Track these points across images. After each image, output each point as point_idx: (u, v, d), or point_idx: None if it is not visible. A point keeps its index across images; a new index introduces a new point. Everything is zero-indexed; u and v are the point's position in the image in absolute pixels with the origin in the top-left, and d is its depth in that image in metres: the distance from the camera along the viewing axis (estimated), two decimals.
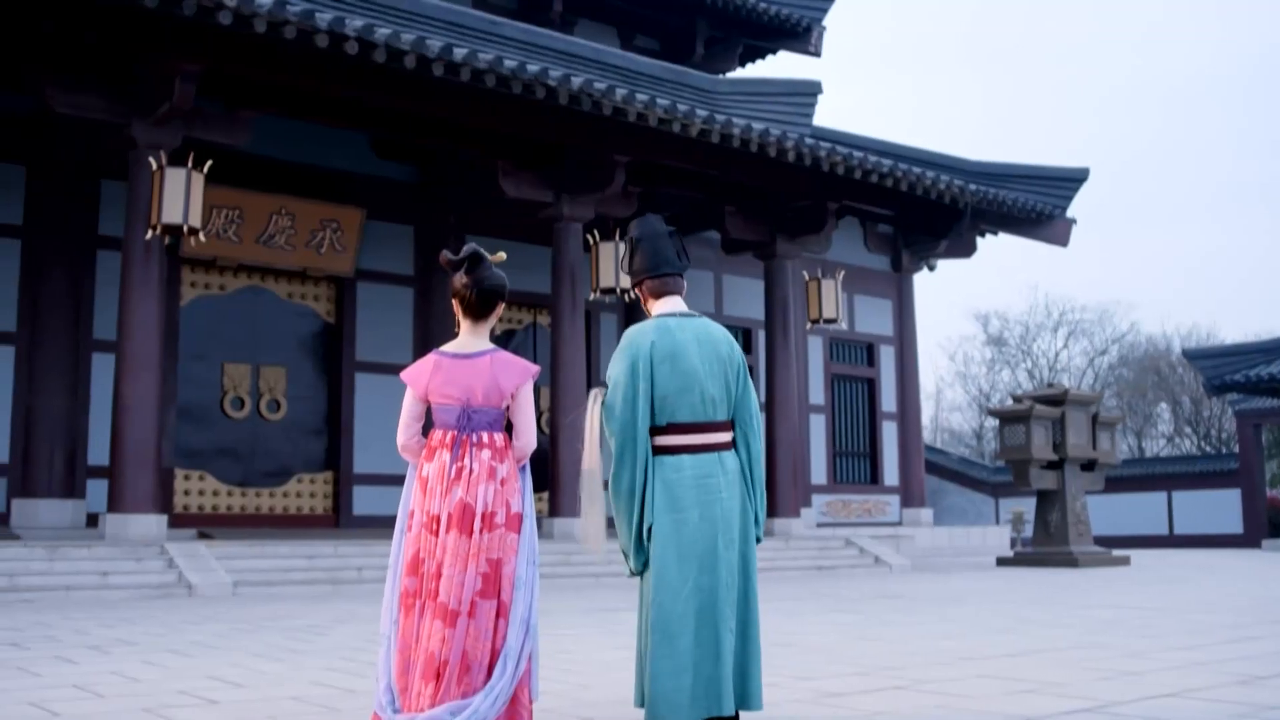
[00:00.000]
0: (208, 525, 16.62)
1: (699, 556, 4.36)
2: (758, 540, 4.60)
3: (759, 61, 26.28)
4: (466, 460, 4.26)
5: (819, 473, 23.54)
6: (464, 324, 4.43)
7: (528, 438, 4.38)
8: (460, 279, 4.41)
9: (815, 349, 23.91)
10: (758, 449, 4.58)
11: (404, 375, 4.41)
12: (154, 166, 13.40)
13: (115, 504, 13.39)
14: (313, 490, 18.24)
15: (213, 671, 6.17)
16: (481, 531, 4.19)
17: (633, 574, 4.46)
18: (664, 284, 4.66)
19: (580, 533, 4.77)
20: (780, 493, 18.94)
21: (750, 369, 22.22)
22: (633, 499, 4.43)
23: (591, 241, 17.36)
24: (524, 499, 4.35)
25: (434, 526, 4.21)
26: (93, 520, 15.14)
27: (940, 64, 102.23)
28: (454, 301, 4.45)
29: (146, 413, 13.52)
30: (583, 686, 5.73)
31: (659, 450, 4.47)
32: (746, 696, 4.40)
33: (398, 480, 18.74)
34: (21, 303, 15.83)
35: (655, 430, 4.47)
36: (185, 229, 13.48)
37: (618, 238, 17.29)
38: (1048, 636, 7.99)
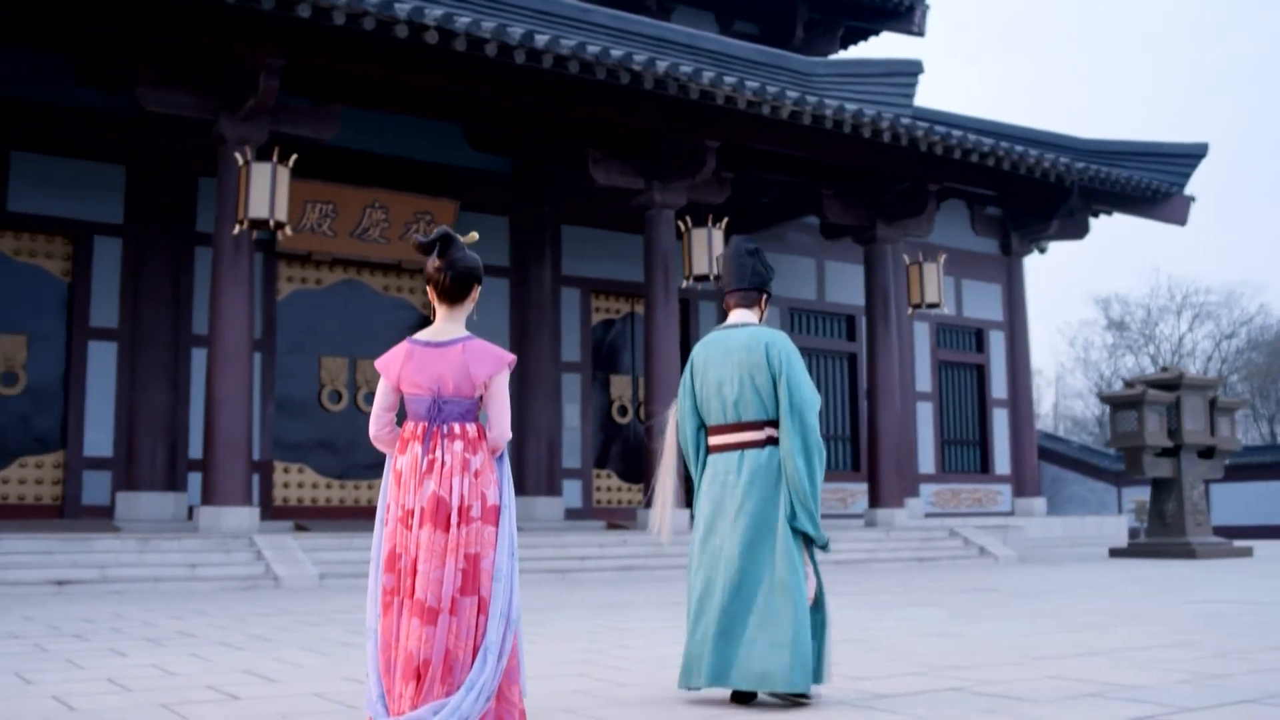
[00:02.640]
0: (306, 518, 16.78)
1: (713, 545, 5.03)
2: (802, 531, 4.96)
3: (861, 43, 25.73)
4: (438, 453, 4.06)
5: (926, 462, 22.97)
6: (439, 310, 4.23)
7: (501, 428, 4.17)
8: (432, 263, 4.19)
9: (921, 335, 23.33)
10: (795, 444, 4.96)
11: (377, 363, 4.24)
12: (240, 162, 13.50)
13: (208, 497, 13.55)
14: None
15: (252, 666, 6.08)
16: (458, 526, 3.99)
17: None
18: (740, 297, 5.34)
19: (652, 522, 5.42)
20: (882, 482, 18.51)
21: (852, 357, 21.98)
22: (694, 489, 5.28)
23: (683, 228, 17.10)
24: (502, 491, 4.15)
25: (408, 521, 4.03)
26: (193, 513, 15.35)
27: (1052, 42, 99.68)
28: (428, 287, 4.24)
29: (237, 406, 13.65)
30: (621, 684, 5.50)
31: (708, 449, 5.26)
32: (767, 677, 4.75)
33: None
34: (123, 300, 16.13)
35: (706, 432, 5.27)
36: (272, 223, 13.56)
37: (710, 224, 17.01)
38: (1137, 633, 7.54)
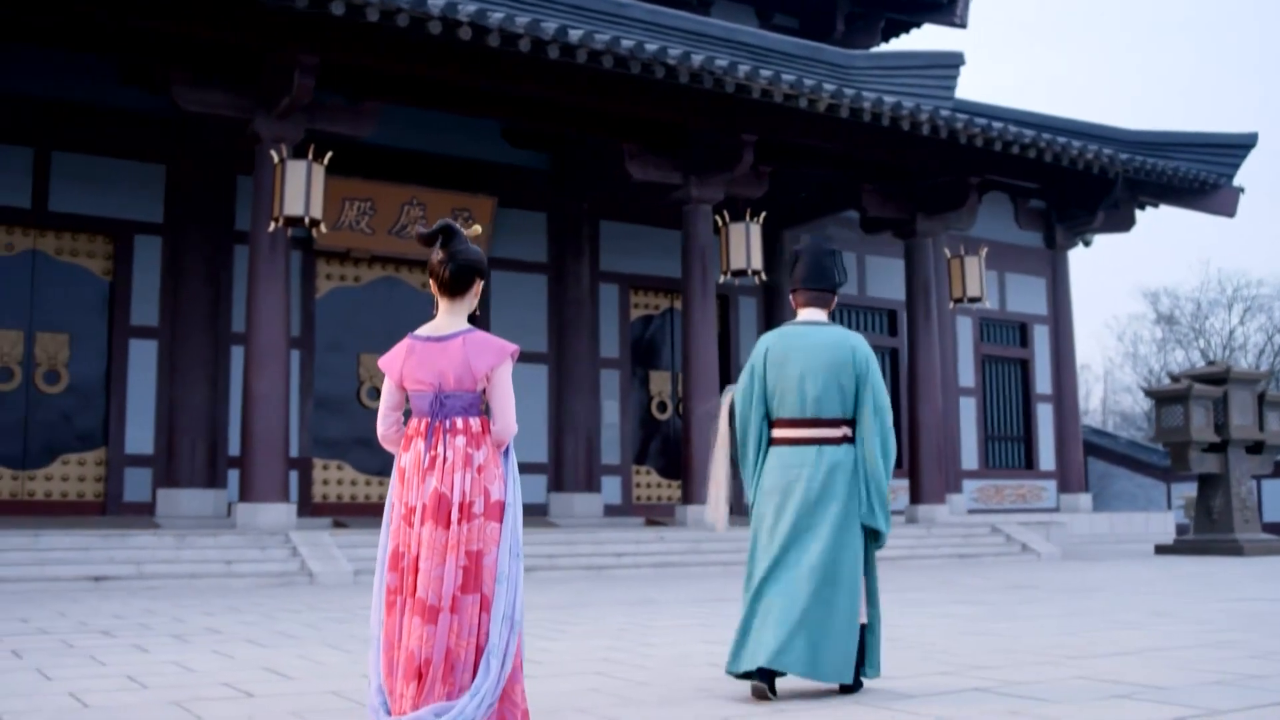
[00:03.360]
0: (345, 515, 16.84)
1: (778, 536, 5.11)
2: (874, 530, 5.18)
3: (902, 36, 25.47)
4: (440, 448, 4.01)
5: (970, 457, 22.73)
6: (441, 304, 4.17)
7: (505, 421, 4.09)
8: (434, 255, 4.14)
9: (964, 330, 23.09)
10: (873, 446, 5.14)
11: (380, 362, 4.20)
12: (275, 159, 13.54)
13: (246, 493, 13.62)
14: None
15: (273, 663, 6.06)
16: (459, 522, 3.93)
17: None
18: (813, 296, 5.44)
19: (707, 512, 5.53)
20: (924, 478, 18.34)
21: (893, 352, 21.77)
22: (749, 479, 5.36)
23: (721, 223, 17.00)
24: (507, 487, 4.08)
25: (410, 519, 3.98)
26: (232, 509, 15.43)
27: (1099, 33, 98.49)
28: (430, 280, 4.19)
29: (274, 404, 13.71)
30: (639, 684, 5.43)
31: (772, 440, 5.31)
32: (817, 665, 4.90)
33: (532, 468, 18.84)
34: (163, 298, 16.23)
35: (771, 424, 5.32)
36: (307, 220, 13.59)
37: (748, 218, 16.90)
38: (1174, 632, 7.39)
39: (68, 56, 15.35)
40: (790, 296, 5.57)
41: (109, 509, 15.60)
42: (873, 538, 5.23)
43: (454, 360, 4.03)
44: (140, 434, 15.93)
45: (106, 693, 5.10)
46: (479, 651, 3.88)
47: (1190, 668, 5.81)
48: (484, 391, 4.08)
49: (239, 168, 16.35)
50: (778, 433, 5.28)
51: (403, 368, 4.08)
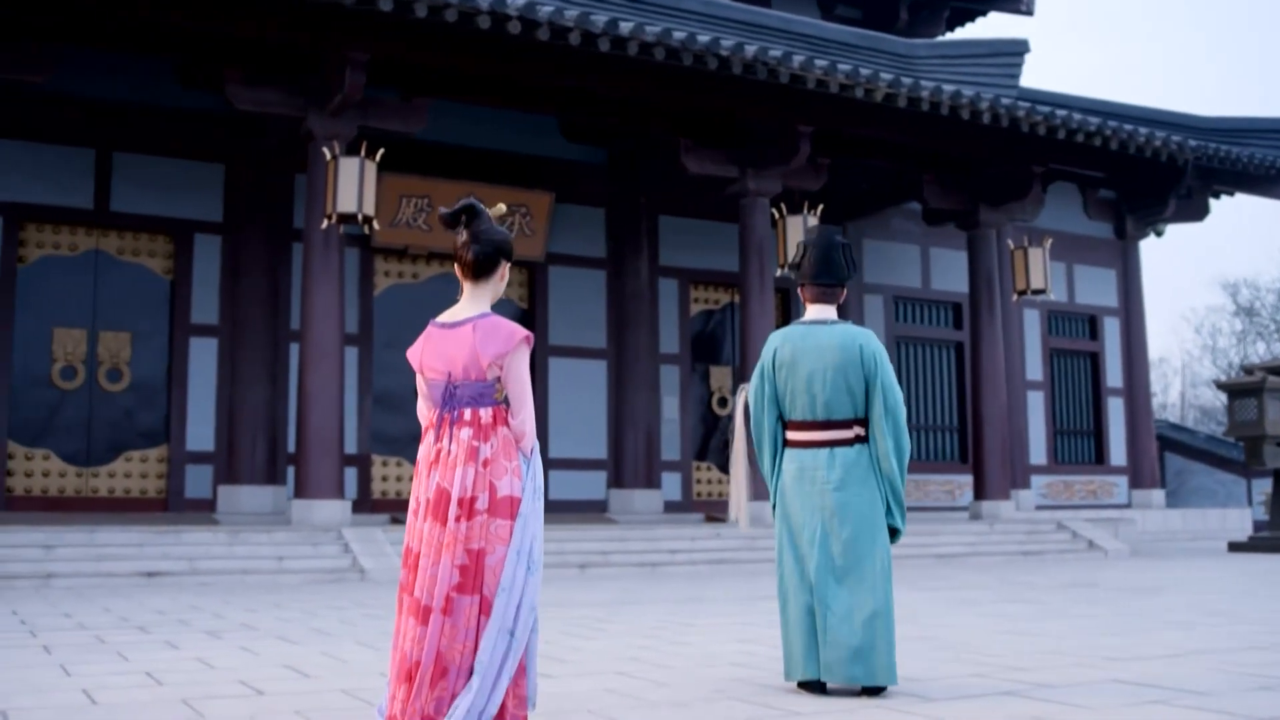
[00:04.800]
0: (404, 511, 16.86)
1: (801, 540, 5.05)
2: (895, 529, 5.11)
3: (968, 25, 25.06)
4: (445, 441, 3.84)
5: (1038, 453, 22.29)
6: (464, 287, 3.98)
7: (522, 415, 3.87)
8: (458, 237, 3.95)
9: (1032, 322, 22.64)
10: (889, 445, 5.04)
11: (408, 353, 4.00)
12: (327, 157, 13.58)
13: (301, 490, 13.69)
14: None
15: (297, 660, 6.02)
16: (459, 519, 3.74)
17: None
18: (821, 292, 5.28)
19: (731, 511, 5.64)
20: (987, 474, 18.00)
21: (958, 346, 21.42)
22: (769, 480, 5.27)
23: (777, 216, 16.80)
24: (525, 483, 3.86)
25: (417, 513, 3.85)
26: None
27: (1170, 20, 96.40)
28: (455, 264, 4.01)
29: (328, 400, 13.76)
30: (658, 684, 5.31)
31: (786, 443, 5.22)
32: (872, 671, 4.84)
33: (592, 465, 18.79)
34: (223, 296, 16.38)
35: (785, 425, 5.23)
36: (360, 217, 13.62)
37: (805, 210, 16.69)
38: (1228, 633, 7.12)
39: (126, 59, 15.52)
40: (799, 291, 5.43)
41: (171, 506, 15.77)
42: (890, 535, 5.15)
43: (463, 347, 3.84)
44: (201, 431, 16.09)
45: (119, 690, 5.08)
46: (476, 655, 3.74)
47: (1235, 671, 5.57)
48: (498, 380, 3.88)
49: (296, 166, 16.44)
50: (791, 435, 5.20)
51: (421, 355, 3.93)
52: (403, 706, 3.65)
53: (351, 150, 13.82)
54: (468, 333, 3.86)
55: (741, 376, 16.90)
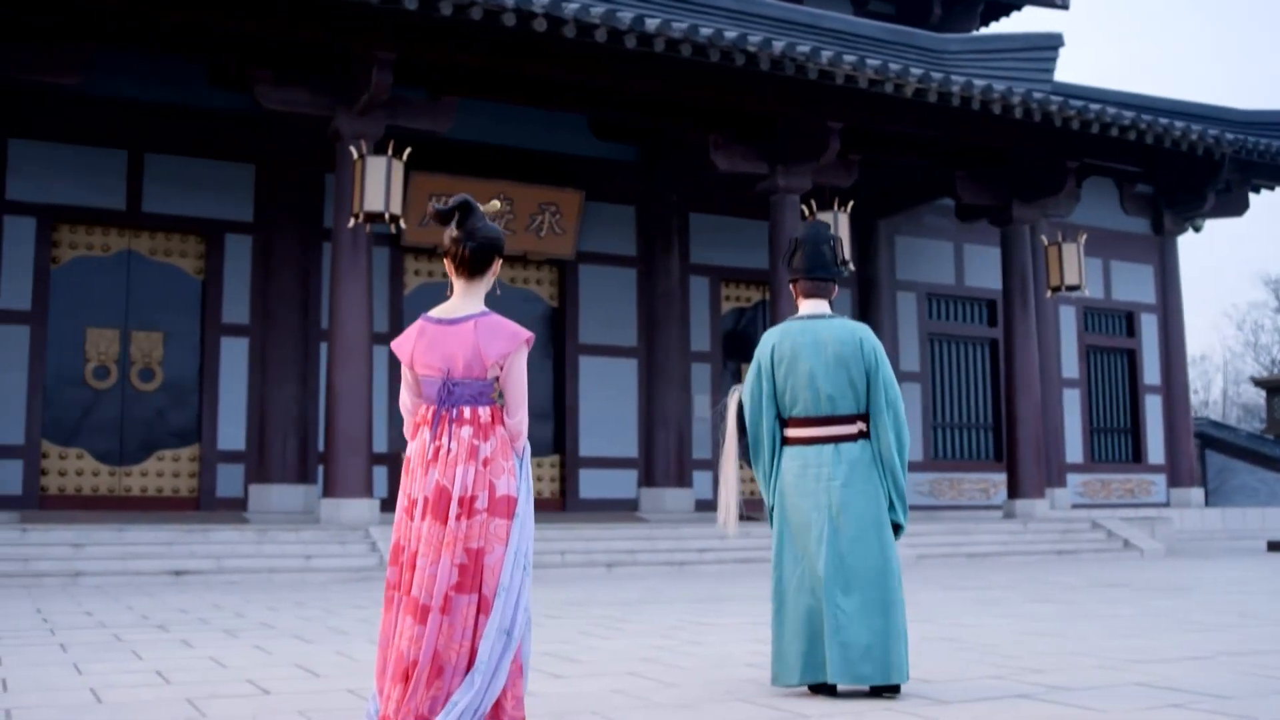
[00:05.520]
0: None
1: (804, 539, 4.97)
2: (898, 525, 5.03)
3: (1002, 19, 24.79)
4: (444, 439, 3.79)
5: (1074, 451, 22.04)
6: (456, 284, 3.94)
7: (520, 414, 3.86)
8: (450, 233, 3.91)
9: (1068, 319, 22.41)
10: (891, 438, 4.99)
11: (393, 344, 4.00)
12: (354, 156, 13.60)
13: (329, 489, 13.72)
14: (539, 474, 18.26)
15: (308, 659, 6.01)
16: (459, 518, 3.71)
17: None
18: (814, 286, 5.23)
19: (718, 515, 5.45)
20: (1021, 471, 17.81)
21: (993, 343, 21.23)
22: (765, 481, 5.20)
23: (808, 213, 16.68)
24: (520, 483, 3.84)
25: (412, 512, 3.80)
26: None
27: (1210, 14, 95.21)
28: (445, 260, 3.97)
29: (356, 399, 13.77)
30: (668, 685, 5.25)
31: (785, 440, 5.14)
32: (885, 669, 4.76)
33: (623, 463, 18.74)
34: (254, 296, 16.45)
35: (783, 423, 5.14)
36: (387, 216, 13.63)
37: (836, 207, 16.57)
38: (1255, 635, 6.98)
39: (157, 60, 15.62)
40: (790, 287, 5.38)
41: (202, 505, 15.85)
42: (894, 530, 5.08)
43: (464, 345, 3.81)
44: (232, 430, 16.16)
45: (127, 688, 5.07)
46: (473, 655, 3.68)
47: (1260, 674, 5.45)
48: (496, 380, 3.86)
49: (326, 166, 16.46)
50: (791, 432, 5.11)
51: (413, 350, 3.88)
52: (397, 706, 3.62)
53: (379, 150, 13.84)
54: (469, 330, 3.83)
55: None
